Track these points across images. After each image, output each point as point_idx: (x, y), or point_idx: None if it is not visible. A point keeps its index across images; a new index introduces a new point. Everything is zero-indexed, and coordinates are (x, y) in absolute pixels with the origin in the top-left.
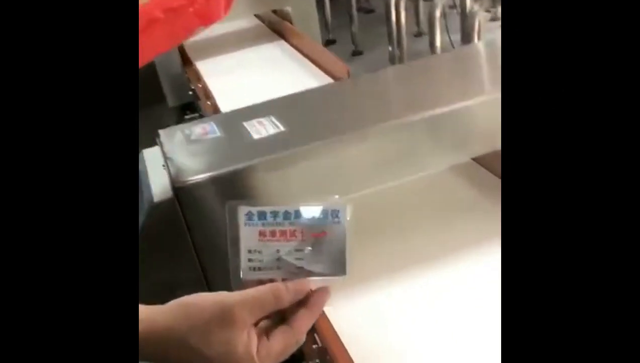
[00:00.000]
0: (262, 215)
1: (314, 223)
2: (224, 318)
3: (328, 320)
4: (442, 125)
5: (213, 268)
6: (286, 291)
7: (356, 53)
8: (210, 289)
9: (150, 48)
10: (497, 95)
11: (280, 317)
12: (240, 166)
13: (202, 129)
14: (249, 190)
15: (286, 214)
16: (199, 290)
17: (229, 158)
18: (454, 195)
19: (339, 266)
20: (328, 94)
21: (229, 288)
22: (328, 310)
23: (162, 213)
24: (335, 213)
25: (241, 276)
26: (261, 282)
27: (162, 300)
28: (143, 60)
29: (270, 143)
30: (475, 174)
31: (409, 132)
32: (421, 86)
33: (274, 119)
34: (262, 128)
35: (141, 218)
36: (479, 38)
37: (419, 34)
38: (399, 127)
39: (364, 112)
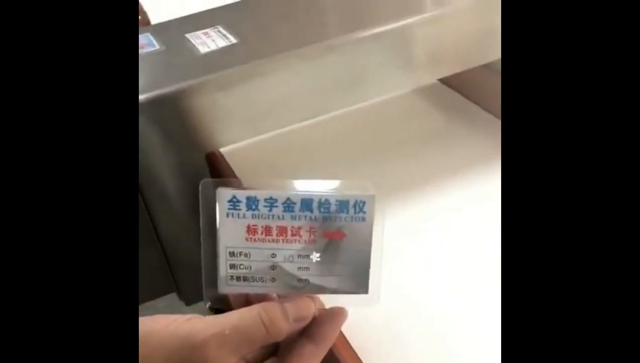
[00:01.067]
0: (252, 203)
1: (328, 218)
2: (191, 359)
3: None
4: (407, 38)
5: (173, 252)
6: (283, 316)
7: None
8: (175, 281)
9: None
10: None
11: (273, 348)
12: (185, 84)
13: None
14: (196, 115)
15: (288, 204)
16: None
17: (172, 76)
18: (424, 120)
19: (360, 281)
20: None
21: (199, 295)
22: None
23: None
24: (360, 205)
25: (219, 289)
26: (248, 300)
27: None
28: None
29: (221, 57)
30: (445, 97)
31: (375, 46)
32: None
33: (221, 29)
34: (209, 40)
35: None
36: None
37: None
38: (364, 40)
39: (326, 24)
